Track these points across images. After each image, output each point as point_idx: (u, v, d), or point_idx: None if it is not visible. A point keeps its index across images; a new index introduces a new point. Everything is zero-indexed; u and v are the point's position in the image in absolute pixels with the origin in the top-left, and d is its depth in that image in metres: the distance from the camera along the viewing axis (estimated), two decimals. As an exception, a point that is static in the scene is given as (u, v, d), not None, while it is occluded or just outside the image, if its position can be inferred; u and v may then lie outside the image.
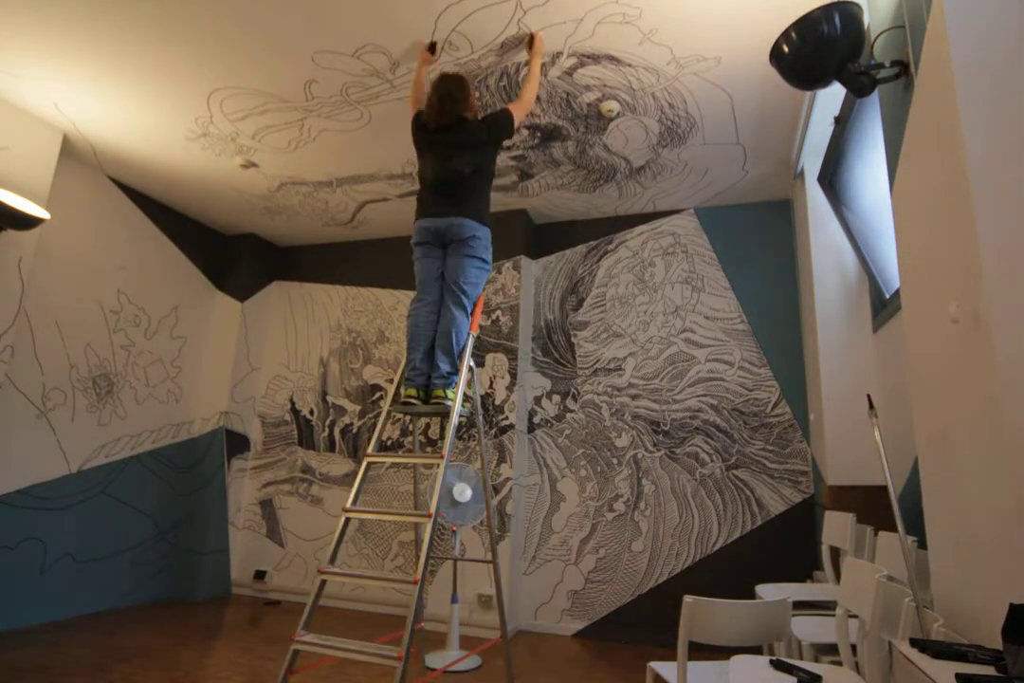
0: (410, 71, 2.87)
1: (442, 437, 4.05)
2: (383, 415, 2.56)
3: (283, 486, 4.68)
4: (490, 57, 2.77)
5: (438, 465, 2.24)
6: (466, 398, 2.58)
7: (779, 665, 1.50)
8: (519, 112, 2.65)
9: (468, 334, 2.53)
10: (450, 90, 2.56)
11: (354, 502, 2.28)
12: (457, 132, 2.59)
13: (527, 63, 2.79)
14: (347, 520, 2.25)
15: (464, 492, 3.30)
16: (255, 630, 3.60)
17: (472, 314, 2.57)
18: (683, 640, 1.59)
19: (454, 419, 2.33)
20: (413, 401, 2.47)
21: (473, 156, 2.56)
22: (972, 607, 1.37)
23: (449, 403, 2.39)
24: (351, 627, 3.74)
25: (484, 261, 2.57)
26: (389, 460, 3.36)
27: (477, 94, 2.98)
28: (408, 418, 4.47)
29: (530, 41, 2.65)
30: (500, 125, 2.62)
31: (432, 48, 2.70)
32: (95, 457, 3.90)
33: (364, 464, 2.38)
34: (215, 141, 3.56)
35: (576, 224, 4.46)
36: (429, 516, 2.11)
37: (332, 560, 2.19)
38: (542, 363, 4.25)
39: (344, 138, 3.49)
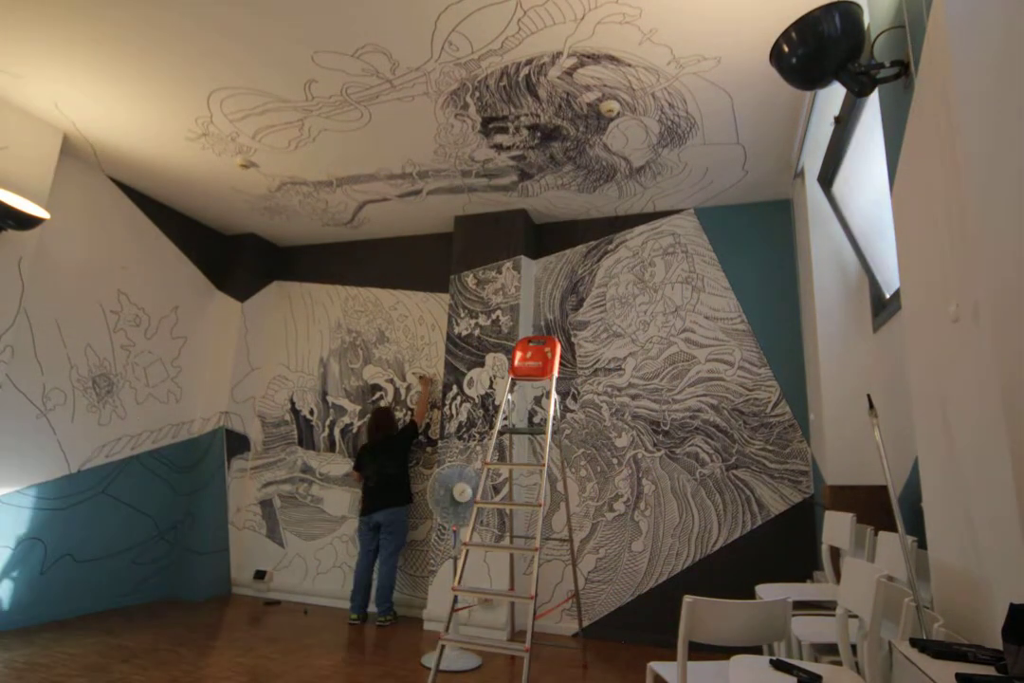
0: (410, 71, 2.88)
1: (443, 437, 4.05)
2: (494, 431, 3.15)
3: (283, 486, 4.68)
4: (490, 57, 2.77)
5: (539, 472, 2.95)
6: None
7: (779, 665, 1.50)
8: (418, 418, 4.29)
9: (395, 578, 3.99)
10: (381, 421, 4.21)
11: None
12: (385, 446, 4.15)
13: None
14: (467, 551, 2.77)
15: (464, 492, 3.30)
16: (255, 630, 3.60)
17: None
18: (683, 640, 1.59)
19: (549, 436, 3.02)
20: (352, 621, 3.82)
21: (397, 460, 4.13)
22: (972, 607, 1.37)
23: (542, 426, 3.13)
24: (352, 627, 3.74)
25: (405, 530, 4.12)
26: (503, 466, 3.69)
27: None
28: (408, 416, 4.48)
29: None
30: (409, 432, 4.25)
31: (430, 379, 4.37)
32: (95, 457, 3.90)
33: (486, 471, 2.99)
34: (215, 141, 3.56)
35: (576, 224, 4.46)
36: (535, 550, 2.70)
37: (459, 581, 2.69)
38: (542, 363, 4.24)
39: (344, 138, 3.49)
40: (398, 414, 4.53)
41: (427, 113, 3.21)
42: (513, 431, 3.56)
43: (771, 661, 1.51)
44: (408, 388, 4.56)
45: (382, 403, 4.59)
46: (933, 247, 1.58)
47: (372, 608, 3.95)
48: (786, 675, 1.46)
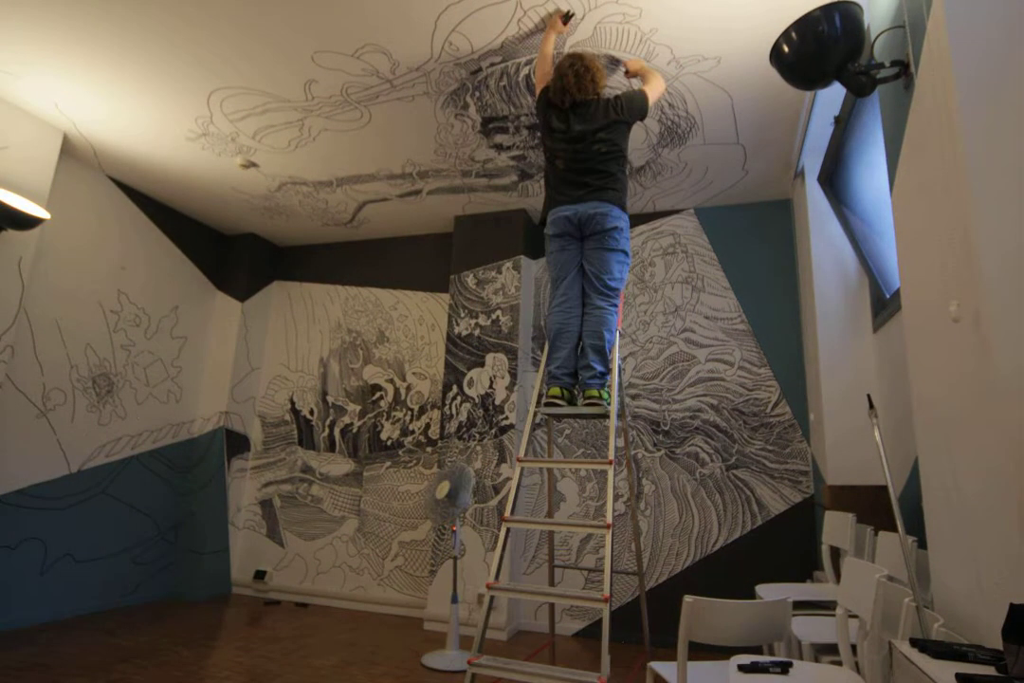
0: (410, 71, 2.87)
1: (443, 437, 4.05)
2: (529, 416, 2.42)
3: (283, 486, 4.68)
4: (491, 57, 2.77)
5: (607, 470, 2.13)
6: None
7: (748, 668, 1.47)
8: (653, 94, 2.56)
9: (616, 331, 2.41)
10: (582, 68, 2.46)
11: (512, 511, 2.23)
12: (589, 110, 2.47)
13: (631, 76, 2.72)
14: (508, 531, 2.18)
15: (442, 489, 3.30)
16: (255, 630, 3.60)
17: (618, 310, 2.45)
18: (683, 640, 1.59)
19: (614, 420, 2.23)
20: (558, 401, 2.32)
21: (607, 135, 2.43)
22: (972, 607, 1.37)
23: (607, 405, 2.27)
24: (353, 627, 3.75)
25: (626, 254, 2.46)
26: (546, 465, 2.90)
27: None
28: (409, 417, 4.47)
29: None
30: (633, 104, 2.51)
31: (567, 18, 2.48)
32: (95, 457, 3.90)
33: (519, 470, 2.30)
34: (215, 141, 3.56)
35: (576, 224, 4.45)
36: (608, 526, 1.99)
37: (497, 576, 2.10)
38: (542, 363, 4.24)
39: (344, 138, 3.49)
40: (397, 414, 4.53)
41: (427, 113, 3.21)
42: (564, 415, 2.59)
43: (739, 666, 1.49)
44: (408, 388, 4.56)
45: (382, 403, 4.59)
46: (933, 247, 1.58)
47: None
48: (762, 675, 1.45)
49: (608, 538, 2.01)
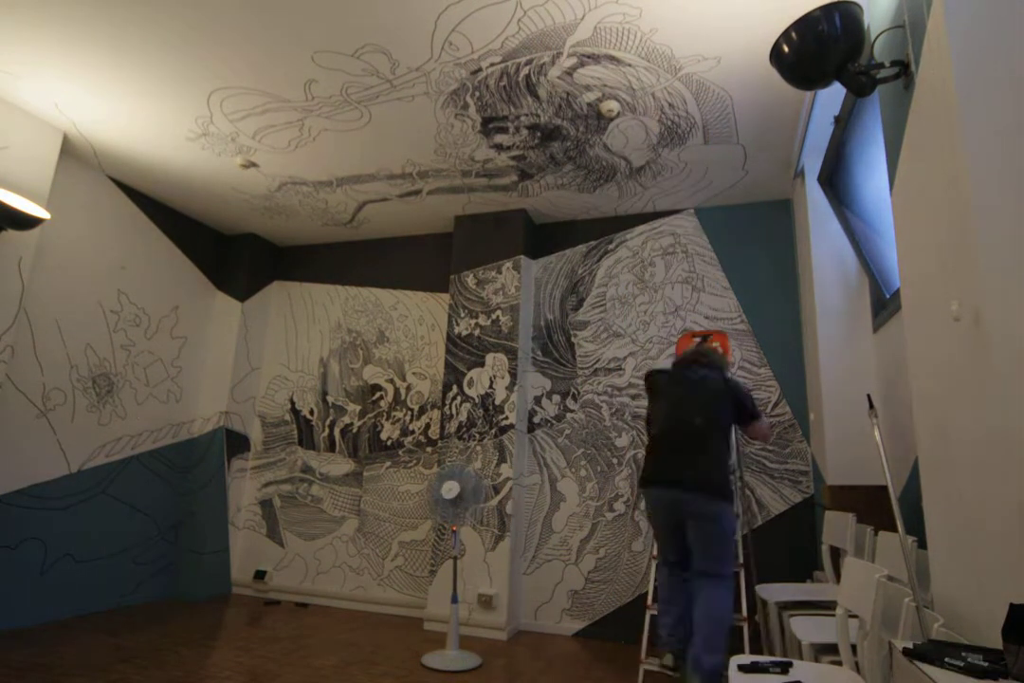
0: (410, 71, 2.87)
1: (443, 437, 4.05)
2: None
3: (283, 486, 4.68)
4: (490, 57, 2.77)
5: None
6: None
7: (748, 668, 1.48)
8: (752, 421, 2.73)
9: (731, 610, 2.30)
10: (706, 353, 2.81)
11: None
12: (699, 380, 2.66)
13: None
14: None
15: (452, 490, 3.29)
16: (255, 630, 3.60)
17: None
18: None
19: None
20: (668, 672, 2.32)
21: (712, 409, 2.56)
22: (972, 607, 1.37)
23: None
24: (353, 627, 3.75)
25: (732, 532, 2.46)
26: None
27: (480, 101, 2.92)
28: (409, 417, 4.48)
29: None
30: (738, 392, 2.69)
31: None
32: (95, 457, 3.90)
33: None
34: (215, 141, 3.56)
35: (576, 224, 4.46)
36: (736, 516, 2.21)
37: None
38: (542, 363, 4.25)
39: (344, 138, 3.49)
40: (397, 414, 4.53)
41: (427, 113, 3.21)
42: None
43: (739, 666, 1.49)
44: (408, 388, 4.56)
45: (382, 403, 4.59)
46: (933, 247, 1.58)
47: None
48: (762, 675, 1.45)
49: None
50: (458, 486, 3.31)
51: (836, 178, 3.26)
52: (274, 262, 5.22)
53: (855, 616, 1.56)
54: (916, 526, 1.82)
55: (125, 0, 2.48)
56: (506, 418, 3.94)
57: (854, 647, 1.56)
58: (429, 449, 4.36)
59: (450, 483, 3.32)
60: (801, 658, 1.85)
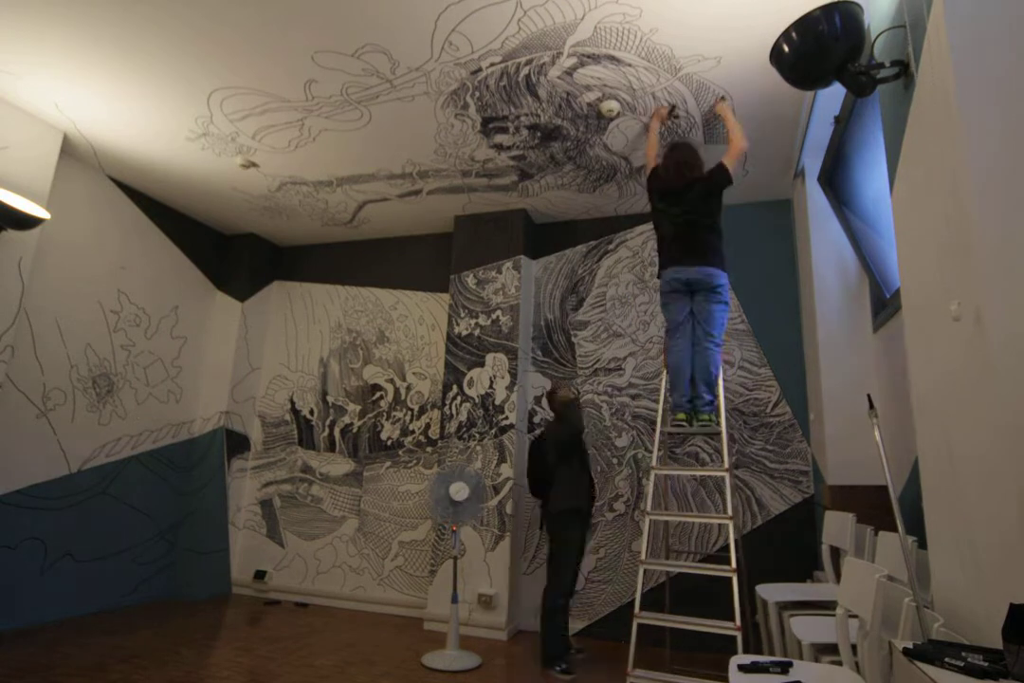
0: (410, 71, 2.87)
1: (443, 437, 4.05)
2: (657, 434, 3.03)
3: (283, 486, 4.68)
4: (490, 57, 2.77)
5: (723, 477, 2.87)
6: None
7: (748, 668, 1.48)
8: (730, 161, 2.95)
9: (720, 365, 2.97)
10: (686, 159, 3.05)
11: (653, 506, 3.01)
12: (689, 192, 2.98)
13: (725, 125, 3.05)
14: (645, 571, 2.84)
15: (461, 491, 3.30)
16: (255, 630, 3.60)
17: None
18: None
19: (724, 436, 2.87)
20: (683, 424, 2.95)
21: (704, 210, 2.97)
22: (972, 607, 1.37)
23: (716, 426, 2.91)
24: (353, 627, 3.75)
25: (727, 303, 3.00)
26: (676, 473, 3.57)
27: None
28: (409, 417, 4.48)
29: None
30: (721, 178, 2.96)
31: (671, 112, 3.13)
32: (95, 457, 3.90)
33: (652, 476, 2.95)
34: (215, 141, 3.56)
35: (576, 224, 4.46)
36: (730, 518, 2.65)
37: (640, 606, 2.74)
38: (542, 363, 4.25)
39: (344, 138, 3.49)
40: (397, 414, 4.53)
41: (427, 113, 3.21)
42: (686, 433, 3.20)
43: (739, 666, 1.49)
44: (408, 388, 4.56)
45: (382, 403, 4.59)
46: (933, 247, 1.58)
47: None
48: (762, 674, 1.45)
49: (730, 527, 2.68)
50: (467, 488, 3.31)
51: (836, 178, 3.26)
52: (274, 262, 5.22)
53: (855, 616, 1.56)
54: (916, 526, 1.82)
55: (125, 0, 2.48)
56: (506, 418, 3.94)
57: (854, 647, 1.56)
58: (429, 449, 4.36)
59: (459, 484, 3.31)
60: (801, 658, 1.85)
